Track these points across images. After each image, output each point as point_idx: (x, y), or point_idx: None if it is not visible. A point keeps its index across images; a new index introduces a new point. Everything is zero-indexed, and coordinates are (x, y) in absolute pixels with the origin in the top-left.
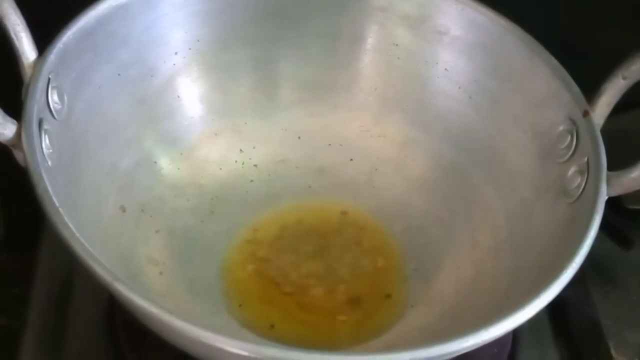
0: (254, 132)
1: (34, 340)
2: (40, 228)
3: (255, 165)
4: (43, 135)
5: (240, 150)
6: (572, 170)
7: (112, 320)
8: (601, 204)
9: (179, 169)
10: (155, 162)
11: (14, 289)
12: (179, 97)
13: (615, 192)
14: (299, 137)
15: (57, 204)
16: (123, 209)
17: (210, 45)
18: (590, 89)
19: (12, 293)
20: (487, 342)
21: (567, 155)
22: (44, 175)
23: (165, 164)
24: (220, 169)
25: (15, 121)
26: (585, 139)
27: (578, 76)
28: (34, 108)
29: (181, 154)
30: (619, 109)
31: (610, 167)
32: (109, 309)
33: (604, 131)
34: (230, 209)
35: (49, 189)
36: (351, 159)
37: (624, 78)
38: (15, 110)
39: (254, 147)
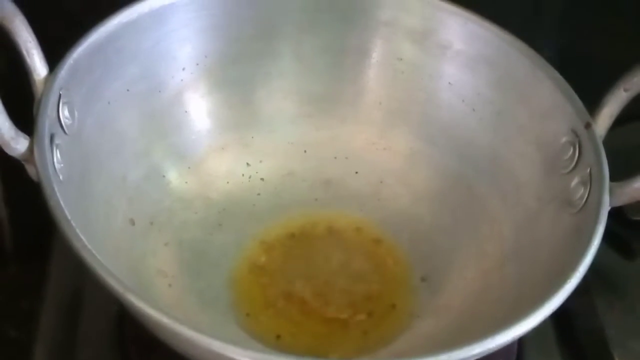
0: (260, 146)
1: (44, 353)
2: (49, 241)
3: (262, 179)
4: (54, 149)
5: (247, 163)
6: (575, 181)
7: (121, 332)
8: (604, 214)
9: (187, 182)
10: (164, 176)
11: (23, 302)
12: (186, 111)
13: (618, 202)
14: (305, 151)
15: (69, 217)
16: (132, 222)
17: (218, 61)
18: (592, 100)
19: (22, 306)
20: (493, 350)
21: (571, 167)
22: (56, 189)
23: (174, 177)
24: (228, 182)
25: (27, 136)
26: (588, 150)
27: (580, 88)
28: (45, 123)
29: (189, 167)
30: (621, 122)
31: (614, 179)
32: (118, 321)
33: (608, 144)
34: (237, 221)
35: (61, 202)
36: (357, 172)
37: (625, 90)
38: (27, 126)
39: (260, 161)
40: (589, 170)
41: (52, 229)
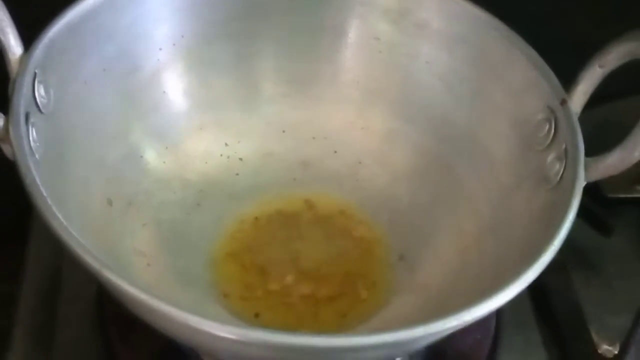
0: (239, 126)
1: (23, 335)
2: (26, 225)
3: (240, 159)
4: (30, 128)
5: (226, 144)
6: (551, 157)
7: (101, 313)
8: (579, 188)
9: (164, 162)
10: (142, 156)
11: (1, 286)
12: (164, 92)
13: (593, 177)
14: (284, 131)
15: (45, 195)
16: (110, 202)
17: (194, 41)
18: (568, 78)
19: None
20: (469, 322)
21: (546, 143)
22: (32, 167)
23: (152, 157)
24: (206, 162)
25: (2, 114)
26: (563, 126)
27: (556, 66)
28: (20, 102)
29: (167, 148)
30: (598, 101)
31: (587, 154)
32: (97, 302)
33: (585, 122)
34: (216, 201)
35: (37, 180)
36: (335, 151)
37: (600, 67)
38: (3, 105)
39: (239, 141)
40: (564, 146)
41: (29, 212)
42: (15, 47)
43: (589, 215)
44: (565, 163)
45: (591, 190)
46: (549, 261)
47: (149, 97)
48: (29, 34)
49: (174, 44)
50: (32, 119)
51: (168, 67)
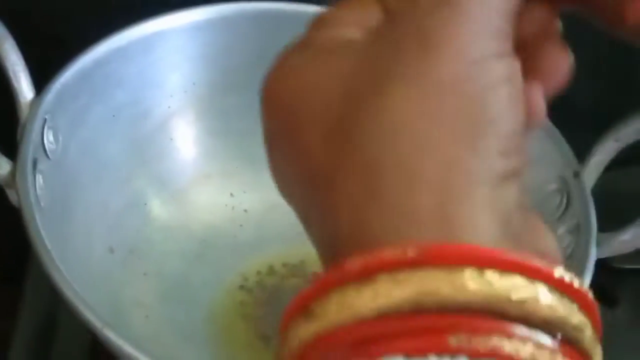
0: (244, 177)
1: None
2: (24, 264)
3: (245, 210)
4: (37, 175)
5: (231, 194)
6: (561, 229)
7: (96, 357)
8: (591, 265)
9: (168, 211)
10: (146, 204)
11: None
12: (172, 139)
13: (605, 253)
14: None
15: (49, 247)
16: (111, 250)
17: (206, 89)
18: (581, 148)
19: None
20: None
21: (557, 215)
22: (37, 216)
23: (156, 206)
24: (210, 212)
25: (9, 161)
26: (576, 200)
27: (569, 135)
28: (29, 148)
29: (172, 196)
30: (610, 168)
31: (602, 224)
32: (92, 347)
33: (597, 187)
34: (218, 253)
35: (42, 231)
36: None
37: (615, 140)
38: (10, 149)
39: (244, 192)
40: (576, 221)
41: (27, 252)
42: (26, 91)
43: (593, 285)
44: (577, 238)
45: (597, 260)
46: None
47: (157, 144)
48: (38, 77)
49: (185, 92)
50: (39, 166)
51: (178, 115)
